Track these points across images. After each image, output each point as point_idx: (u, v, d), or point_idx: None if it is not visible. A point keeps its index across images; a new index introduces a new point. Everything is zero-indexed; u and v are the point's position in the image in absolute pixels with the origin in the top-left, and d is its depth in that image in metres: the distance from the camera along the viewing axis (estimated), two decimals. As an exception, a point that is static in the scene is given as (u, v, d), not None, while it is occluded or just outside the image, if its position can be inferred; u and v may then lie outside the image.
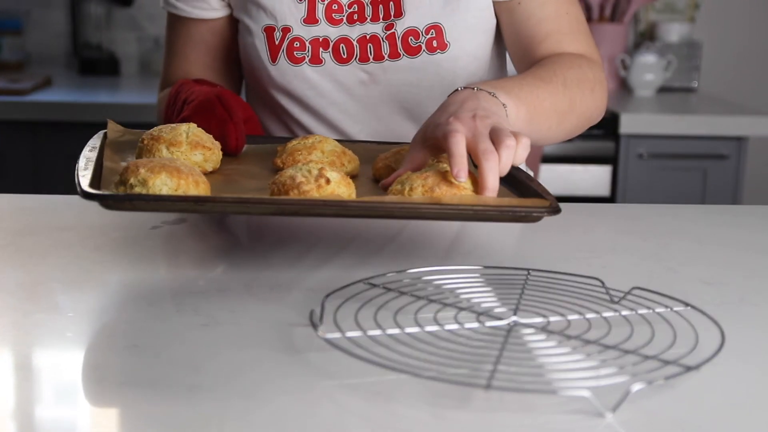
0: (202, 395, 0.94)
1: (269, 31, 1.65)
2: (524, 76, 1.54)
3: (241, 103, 1.58)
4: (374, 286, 1.19)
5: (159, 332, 1.10)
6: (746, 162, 3.33)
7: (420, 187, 1.23)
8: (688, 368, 0.97)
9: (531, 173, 1.87)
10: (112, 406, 0.94)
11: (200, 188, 1.25)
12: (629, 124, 3.19)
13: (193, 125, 1.42)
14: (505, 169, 1.26)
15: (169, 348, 1.06)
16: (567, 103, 1.54)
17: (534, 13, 1.64)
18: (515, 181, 1.37)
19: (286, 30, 1.64)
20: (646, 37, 3.88)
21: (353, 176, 1.43)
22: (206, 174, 1.38)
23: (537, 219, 1.25)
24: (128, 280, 1.30)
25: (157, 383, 0.97)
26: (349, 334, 1.03)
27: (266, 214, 1.35)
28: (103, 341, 1.08)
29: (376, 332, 1.05)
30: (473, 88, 1.38)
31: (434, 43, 1.63)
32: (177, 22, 1.78)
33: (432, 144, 1.33)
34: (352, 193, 1.28)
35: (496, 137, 1.26)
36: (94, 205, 1.59)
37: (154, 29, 3.87)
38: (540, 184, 1.34)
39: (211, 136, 1.44)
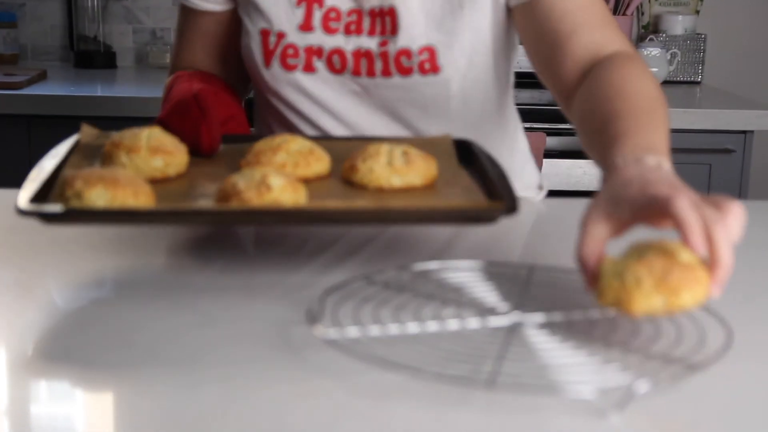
0: (199, 392, 0.93)
1: (264, 34, 1.63)
2: (637, 118, 1.34)
3: (223, 101, 1.56)
4: (374, 282, 1.19)
5: (156, 330, 1.09)
6: (751, 156, 3.32)
7: (648, 278, 0.99)
8: (695, 368, 0.96)
9: (533, 170, 1.86)
10: (108, 405, 0.94)
11: (140, 200, 1.20)
12: (630, 117, 3.18)
13: (156, 129, 1.39)
14: (735, 239, 1.07)
15: (166, 346, 1.05)
16: (667, 122, 1.38)
17: (555, 8, 1.55)
18: (486, 178, 1.33)
19: (280, 35, 1.62)
20: (650, 29, 3.87)
21: (324, 176, 1.37)
22: (170, 178, 1.35)
23: (491, 220, 1.20)
24: (124, 276, 1.29)
25: (154, 381, 0.96)
26: (349, 332, 1.03)
27: (204, 224, 1.31)
28: (100, 339, 1.07)
29: (376, 330, 1.04)
30: (664, 167, 1.25)
31: (426, 66, 1.59)
32: (187, 13, 1.78)
33: (629, 217, 1.12)
34: (299, 198, 1.23)
35: (716, 205, 1.09)
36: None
37: (150, 22, 3.86)
38: (507, 183, 1.26)
39: (178, 138, 1.40)
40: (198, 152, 1.44)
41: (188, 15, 1.78)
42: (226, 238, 1.46)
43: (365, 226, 1.48)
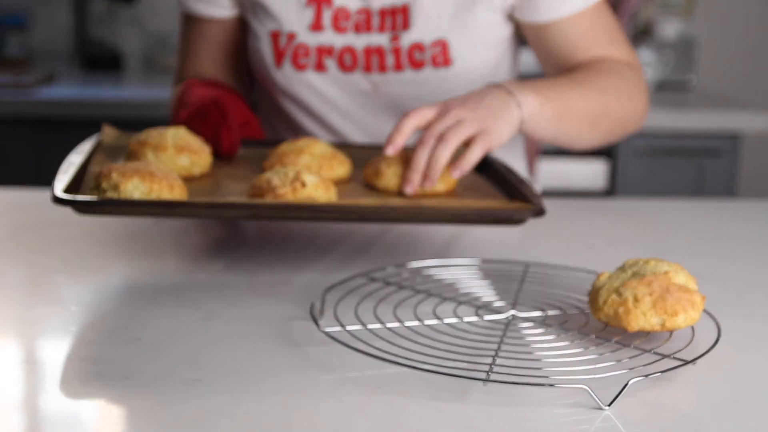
0: (203, 389, 0.95)
1: (275, 36, 1.64)
2: (559, 78, 1.55)
3: (239, 107, 1.57)
4: (374, 280, 1.20)
5: (160, 326, 1.11)
6: (742, 158, 3.33)
7: (647, 297, 1.03)
8: (685, 362, 0.98)
9: (524, 172, 1.87)
10: (113, 400, 0.95)
11: (174, 192, 1.23)
12: (629, 119, 3.19)
13: (181, 129, 1.41)
14: (436, 164, 1.32)
15: (170, 342, 1.06)
16: (601, 109, 1.55)
17: (569, 32, 1.61)
18: (506, 184, 1.37)
19: (291, 36, 1.63)
20: (644, 33, 3.88)
21: (345, 180, 1.41)
22: (194, 178, 1.37)
23: (519, 222, 1.25)
24: (130, 274, 1.31)
25: (158, 377, 0.98)
26: (350, 327, 1.04)
27: (239, 219, 1.33)
28: (105, 335, 1.08)
29: (376, 326, 1.06)
30: (497, 86, 1.43)
31: (439, 59, 1.61)
32: (190, 20, 1.78)
33: None
34: (331, 196, 1.26)
35: (449, 130, 1.34)
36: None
37: (157, 25, 3.86)
38: (529, 187, 1.32)
39: (201, 139, 1.43)
40: (218, 155, 1.47)
41: (192, 24, 1.78)
42: (229, 237, 1.48)
43: (375, 225, 1.49)
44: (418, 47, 1.60)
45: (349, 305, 1.12)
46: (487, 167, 1.45)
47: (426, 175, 1.32)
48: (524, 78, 1.83)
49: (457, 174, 1.33)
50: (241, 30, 1.73)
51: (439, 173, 1.32)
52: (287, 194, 1.22)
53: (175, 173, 1.29)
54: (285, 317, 1.13)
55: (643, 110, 1.63)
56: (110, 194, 1.21)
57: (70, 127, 3.11)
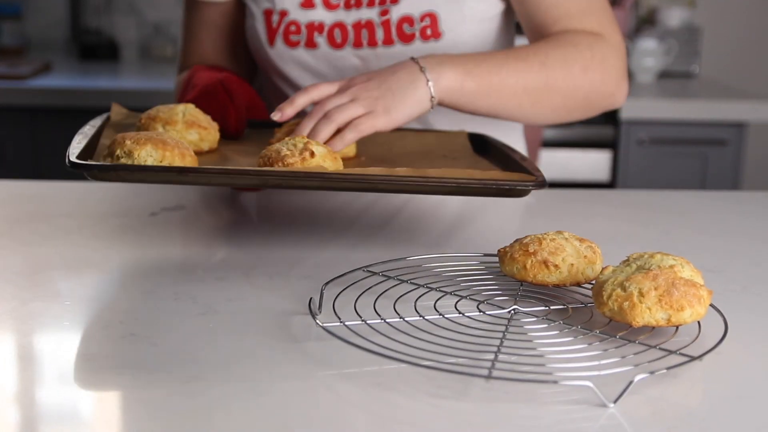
0: (200, 383, 0.94)
1: (268, 14, 1.66)
2: (495, 53, 1.54)
3: (246, 89, 1.59)
4: (373, 273, 1.19)
5: (157, 321, 1.10)
6: (746, 147, 3.32)
7: (652, 292, 1.01)
8: (691, 358, 0.96)
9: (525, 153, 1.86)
10: (110, 395, 0.94)
11: (186, 160, 1.26)
12: (629, 109, 3.19)
13: (190, 105, 1.44)
14: (313, 139, 1.34)
15: (167, 336, 1.05)
16: (542, 81, 1.53)
17: (541, 1, 1.60)
18: (508, 161, 1.38)
19: (283, 13, 1.65)
20: (647, 21, 3.87)
21: (350, 158, 1.44)
22: (202, 153, 1.41)
23: (523, 193, 1.24)
24: (126, 267, 1.30)
25: (155, 371, 0.97)
26: (348, 322, 1.03)
27: (249, 186, 1.36)
28: (101, 329, 1.07)
29: (376, 321, 1.04)
30: (414, 60, 1.45)
31: (428, 31, 1.62)
32: (191, 6, 1.81)
33: None
34: (338, 167, 1.28)
35: (337, 108, 1.38)
36: (93, 192, 1.59)
37: (153, 14, 3.86)
38: (532, 162, 1.33)
39: (209, 117, 1.46)
40: (225, 134, 1.50)
41: (193, 9, 1.80)
42: (227, 232, 1.47)
43: (375, 217, 1.49)
44: (407, 20, 1.61)
45: (348, 300, 1.10)
46: (488, 149, 1.46)
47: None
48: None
49: (335, 146, 1.36)
50: (241, 14, 1.76)
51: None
52: (296, 163, 1.24)
53: (185, 143, 1.32)
54: (283, 312, 1.12)
55: (607, 82, 1.59)
56: (124, 161, 1.23)
57: (67, 116, 3.11)
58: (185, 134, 1.40)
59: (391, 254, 1.29)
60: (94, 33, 3.79)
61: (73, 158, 1.21)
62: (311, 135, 1.36)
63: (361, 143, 1.49)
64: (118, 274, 1.28)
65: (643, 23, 3.87)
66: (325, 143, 1.34)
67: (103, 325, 1.09)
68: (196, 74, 1.63)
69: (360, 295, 1.12)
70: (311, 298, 1.10)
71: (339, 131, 1.37)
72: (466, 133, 1.54)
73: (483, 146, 1.49)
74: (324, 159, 1.26)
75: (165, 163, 1.23)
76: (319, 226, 1.47)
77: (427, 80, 1.42)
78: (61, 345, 1.04)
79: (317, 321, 1.04)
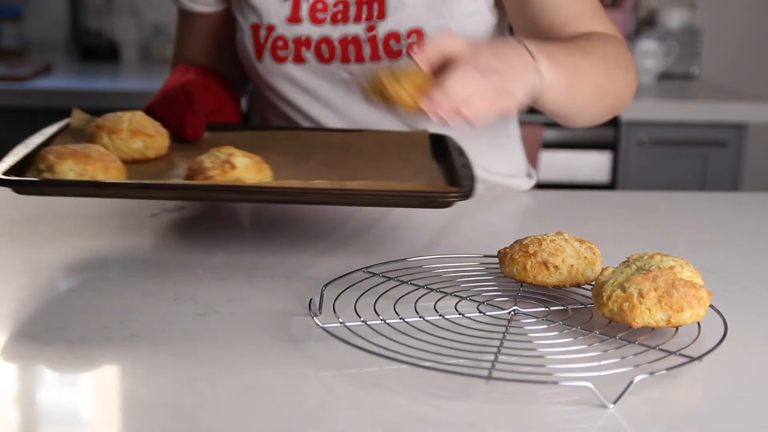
0: (200, 384, 0.94)
1: (255, 28, 1.66)
2: (566, 44, 1.43)
3: (213, 93, 1.61)
4: (374, 274, 1.19)
5: (157, 321, 1.10)
6: (746, 148, 3.32)
7: (652, 293, 1.00)
8: (691, 359, 0.96)
9: (521, 163, 1.85)
10: (110, 395, 0.94)
11: (109, 174, 1.27)
12: (629, 110, 3.18)
13: (138, 113, 1.46)
14: (464, 99, 1.17)
15: (167, 337, 1.05)
16: (606, 80, 1.46)
17: (550, 1, 1.55)
18: (451, 165, 1.37)
19: (270, 28, 1.65)
20: (647, 23, 3.87)
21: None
22: (148, 160, 1.42)
23: (445, 205, 1.24)
24: (126, 268, 1.30)
25: (155, 372, 0.97)
26: (349, 323, 1.03)
27: (170, 199, 1.37)
28: (101, 331, 1.07)
29: (376, 321, 1.04)
30: (522, 43, 1.28)
31: (415, 48, 1.61)
32: (182, 14, 1.84)
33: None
34: (264, 178, 1.29)
35: (492, 72, 1.20)
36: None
37: (153, 16, 3.86)
38: (469, 170, 1.31)
39: (160, 124, 1.47)
40: (183, 139, 1.51)
41: (183, 16, 1.83)
42: (227, 232, 1.47)
43: (374, 218, 1.49)
44: (394, 36, 1.60)
45: (348, 300, 1.10)
46: (444, 150, 1.46)
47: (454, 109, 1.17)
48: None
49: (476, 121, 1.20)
50: (230, 23, 1.77)
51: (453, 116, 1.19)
52: (216, 176, 1.25)
53: (124, 158, 1.36)
54: (283, 313, 1.12)
55: (635, 85, 1.56)
56: (46, 175, 1.25)
57: (66, 117, 3.10)
58: (129, 143, 1.41)
59: (391, 255, 1.29)
60: (94, 34, 3.79)
61: None
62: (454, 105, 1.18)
63: (315, 146, 1.50)
64: (118, 274, 1.28)
65: (643, 24, 3.87)
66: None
67: (103, 325, 1.08)
68: (169, 77, 1.66)
69: (360, 295, 1.12)
70: (311, 299, 1.10)
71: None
72: (427, 133, 1.54)
73: (442, 148, 1.48)
74: (247, 171, 1.27)
75: (87, 177, 1.25)
76: (320, 227, 1.46)
77: (537, 70, 1.28)
78: (60, 346, 1.04)
79: (317, 322, 1.04)
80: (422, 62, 1.20)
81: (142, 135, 1.42)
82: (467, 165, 1.34)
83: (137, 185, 1.24)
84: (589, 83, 1.43)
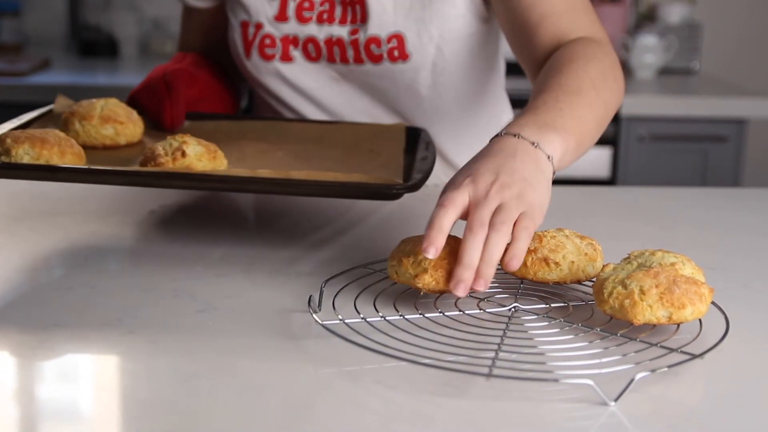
0: (199, 381, 0.93)
1: (244, 26, 1.67)
2: (555, 94, 1.32)
3: (199, 83, 1.64)
4: (374, 271, 1.19)
5: (156, 318, 1.09)
6: (747, 143, 3.32)
7: (653, 290, 1.00)
8: (693, 356, 0.96)
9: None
10: (109, 392, 0.93)
11: (66, 158, 1.29)
12: (629, 106, 3.18)
13: (112, 100, 1.48)
14: (491, 259, 1.07)
15: (165, 334, 1.05)
16: (603, 109, 1.38)
17: None
18: (413, 157, 1.39)
19: (258, 26, 1.65)
20: (647, 18, 3.87)
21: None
22: (119, 146, 1.45)
23: (391, 197, 1.24)
24: (125, 265, 1.30)
25: (154, 370, 0.96)
26: (348, 320, 1.03)
27: (119, 184, 1.38)
28: (99, 328, 1.07)
29: (376, 318, 1.04)
30: (516, 135, 1.20)
31: (395, 53, 1.61)
32: (184, 7, 1.85)
33: None
34: (217, 166, 1.30)
35: (497, 215, 1.10)
36: (92, 189, 1.59)
37: (152, 10, 3.85)
38: (426, 164, 1.32)
39: (133, 111, 1.49)
40: (161, 127, 1.54)
41: (185, 9, 1.85)
42: (226, 228, 1.46)
43: (375, 216, 1.48)
44: (374, 41, 1.61)
45: (347, 297, 1.10)
46: (415, 144, 1.47)
47: (478, 273, 1.07)
48: (512, 65, 1.78)
49: (514, 265, 1.09)
50: (227, 17, 1.76)
51: (493, 270, 1.07)
52: (167, 163, 1.27)
53: (95, 144, 1.41)
54: (282, 309, 1.11)
55: (623, 85, 1.49)
56: (3, 159, 1.28)
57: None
58: (100, 129, 1.44)
59: (390, 251, 1.29)
60: (93, 29, 3.78)
61: None
62: (486, 253, 1.08)
63: (289, 136, 1.52)
64: (117, 271, 1.28)
65: (643, 20, 3.87)
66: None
67: (101, 322, 1.08)
68: (156, 66, 1.68)
69: (360, 292, 1.12)
70: (311, 296, 1.10)
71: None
72: (404, 126, 1.55)
73: (416, 141, 1.49)
74: (199, 158, 1.28)
75: (42, 161, 1.27)
76: (320, 223, 1.46)
77: (547, 156, 1.20)
78: (58, 343, 1.03)
79: (317, 318, 1.04)
80: (434, 255, 1.08)
81: (113, 122, 1.44)
82: (426, 159, 1.36)
83: (87, 170, 1.26)
84: (592, 123, 1.34)
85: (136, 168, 1.28)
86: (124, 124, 1.45)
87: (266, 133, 1.53)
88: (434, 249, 1.07)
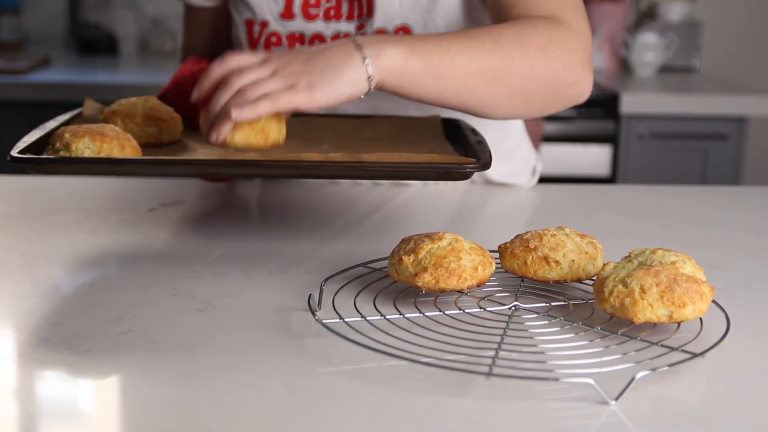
0: (199, 380, 0.93)
1: (249, 24, 1.66)
2: (443, 33, 1.43)
3: None
4: (374, 269, 1.18)
5: (155, 316, 1.09)
6: (747, 142, 3.32)
7: (654, 288, 1.00)
8: (693, 355, 0.96)
9: (529, 152, 1.85)
10: (108, 391, 0.94)
11: (126, 152, 1.26)
12: (630, 103, 3.18)
13: (151, 99, 1.46)
14: (225, 115, 1.19)
15: (165, 332, 1.05)
16: (497, 61, 1.35)
17: None
18: (466, 144, 1.37)
19: (263, 24, 1.65)
20: (647, 16, 3.87)
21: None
22: (162, 144, 1.41)
23: (463, 176, 1.23)
24: (124, 263, 1.29)
25: (153, 367, 0.96)
26: (348, 319, 1.03)
27: (185, 175, 1.35)
28: (99, 326, 1.07)
29: (376, 317, 1.04)
30: (351, 39, 1.27)
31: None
32: (186, 6, 1.85)
33: None
34: (281, 129, 1.27)
35: (254, 82, 1.21)
36: (91, 187, 1.59)
37: (152, 9, 3.85)
38: (484, 146, 1.31)
39: (172, 109, 1.46)
40: (194, 125, 1.48)
41: (187, 9, 1.84)
42: (225, 223, 1.46)
43: (375, 211, 1.48)
44: (382, 34, 1.59)
45: (347, 296, 1.10)
46: (458, 134, 1.45)
47: (213, 124, 1.21)
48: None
49: (236, 116, 1.20)
50: (230, 16, 1.76)
51: (226, 125, 1.20)
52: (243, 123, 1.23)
53: (130, 135, 1.33)
54: (282, 308, 1.11)
55: (569, 67, 1.42)
56: (63, 153, 1.25)
57: (65, 110, 3.10)
58: (144, 127, 1.41)
59: (391, 251, 1.29)
60: (92, 27, 3.78)
61: (13, 152, 1.22)
62: (221, 112, 1.21)
63: (327, 131, 1.48)
64: (116, 270, 1.28)
65: (643, 17, 3.87)
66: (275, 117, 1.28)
67: (101, 321, 1.08)
68: (180, 67, 1.65)
69: (360, 291, 1.12)
70: (311, 294, 1.10)
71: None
72: (440, 118, 1.53)
73: (455, 131, 1.48)
74: (268, 121, 1.24)
75: (102, 155, 1.24)
76: (320, 222, 1.46)
77: (364, 58, 1.25)
78: (58, 341, 1.03)
79: (317, 317, 1.04)
80: (196, 97, 1.24)
81: (156, 120, 1.42)
82: (482, 142, 1.34)
83: (154, 161, 1.24)
84: (468, 66, 1.33)
85: (204, 158, 1.25)
86: (166, 122, 1.43)
87: (302, 129, 1.49)
88: (196, 91, 1.23)
